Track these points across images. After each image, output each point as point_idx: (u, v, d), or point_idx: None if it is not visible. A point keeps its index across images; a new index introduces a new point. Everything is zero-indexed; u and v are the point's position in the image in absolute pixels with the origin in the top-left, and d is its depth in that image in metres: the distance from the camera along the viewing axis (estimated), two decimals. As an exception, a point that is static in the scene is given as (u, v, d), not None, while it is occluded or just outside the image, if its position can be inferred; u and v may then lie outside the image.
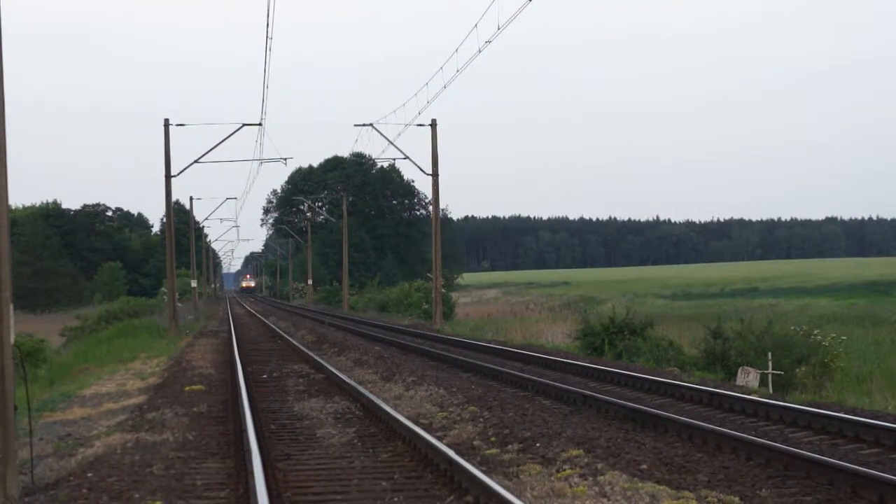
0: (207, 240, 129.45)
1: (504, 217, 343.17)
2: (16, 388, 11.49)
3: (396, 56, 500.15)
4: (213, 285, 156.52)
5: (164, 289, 69.47)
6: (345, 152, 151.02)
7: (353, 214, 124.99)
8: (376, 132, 53.56)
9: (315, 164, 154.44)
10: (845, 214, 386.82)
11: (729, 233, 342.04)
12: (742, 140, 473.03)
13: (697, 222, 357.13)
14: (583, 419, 16.24)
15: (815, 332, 29.16)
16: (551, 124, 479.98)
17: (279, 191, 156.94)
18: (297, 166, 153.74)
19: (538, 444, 13.28)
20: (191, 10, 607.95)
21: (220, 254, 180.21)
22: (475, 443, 13.99)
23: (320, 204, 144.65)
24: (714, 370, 27.34)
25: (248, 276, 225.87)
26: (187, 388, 22.02)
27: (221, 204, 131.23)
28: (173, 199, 52.16)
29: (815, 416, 15.22)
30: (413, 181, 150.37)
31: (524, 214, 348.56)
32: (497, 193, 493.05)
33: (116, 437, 15.54)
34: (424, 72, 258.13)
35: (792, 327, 30.17)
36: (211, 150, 50.60)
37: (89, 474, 12.65)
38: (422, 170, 53.77)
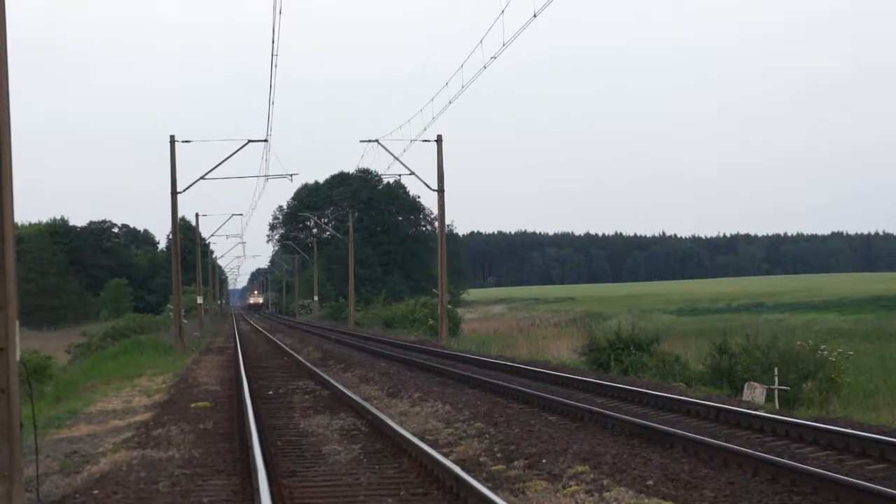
0: (213, 256, 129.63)
1: (510, 232, 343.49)
2: (22, 405, 11.49)
3: (402, 72, 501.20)
4: (219, 302, 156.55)
5: (170, 305, 69.50)
6: (351, 168, 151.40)
7: (358, 230, 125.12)
8: (382, 148, 53.79)
9: (321, 181, 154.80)
10: (851, 229, 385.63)
11: (735, 248, 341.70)
12: (747, 154, 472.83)
13: (703, 237, 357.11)
14: (589, 435, 16.23)
15: (822, 347, 29.10)
16: (556, 139, 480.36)
17: (285, 207, 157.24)
18: (303, 182, 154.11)
19: (544, 461, 13.27)
20: (195, 26, 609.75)
21: (226, 270, 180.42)
22: (481, 459, 13.98)
23: (326, 220, 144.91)
24: (720, 386, 27.28)
25: (255, 291, 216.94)
26: (193, 405, 22.03)
27: (227, 220, 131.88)
28: (179, 215, 52.31)
29: (821, 432, 15.18)
30: (419, 197, 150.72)
31: (530, 230, 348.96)
32: (502, 209, 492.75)
33: (122, 454, 15.54)
34: (430, 87, 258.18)
35: (799, 342, 30.10)
36: (217, 166, 50.86)
37: (95, 491, 12.66)
38: (427, 185, 53.93)
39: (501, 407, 20.23)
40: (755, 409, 18.59)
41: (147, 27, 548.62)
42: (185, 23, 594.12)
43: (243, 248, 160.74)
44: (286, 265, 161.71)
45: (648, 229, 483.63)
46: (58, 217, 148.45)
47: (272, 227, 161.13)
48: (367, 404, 19.59)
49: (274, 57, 31.55)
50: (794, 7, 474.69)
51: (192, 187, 52.06)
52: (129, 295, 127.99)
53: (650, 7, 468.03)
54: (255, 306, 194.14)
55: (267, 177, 60.03)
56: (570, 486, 11.63)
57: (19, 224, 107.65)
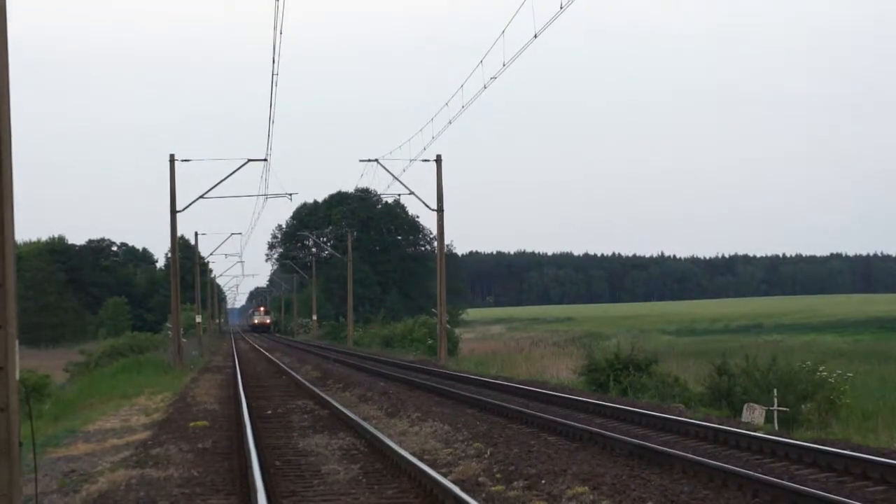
0: (212, 275, 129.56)
1: (508, 252, 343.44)
2: (21, 424, 11.47)
3: (403, 92, 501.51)
4: (217, 321, 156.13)
5: (168, 324, 69.42)
6: (350, 188, 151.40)
7: (357, 250, 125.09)
8: (382, 168, 53.90)
9: (320, 200, 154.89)
10: (850, 251, 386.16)
11: (734, 269, 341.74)
12: (746, 176, 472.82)
13: (702, 258, 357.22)
14: (588, 455, 16.21)
15: (821, 368, 29.10)
16: (555, 160, 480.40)
17: (284, 226, 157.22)
18: (303, 202, 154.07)
19: (544, 481, 13.26)
20: (196, 45, 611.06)
21: (224, 289, 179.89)
22: (480, 479, 13.96)
23: (325, 239, 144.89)
24: (719, 407, 27.27)
25: (261, 308, 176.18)
26: (192, 424, 22.00)
27: (226, 239, 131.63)
28: (178, 234, 52.29)
29: (821, 454, 15.17)
30: (418, 217, 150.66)
31: (528, 250, 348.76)
32: (501, 229, 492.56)
33: (121, 474, 15.51)
34: (430, 107, 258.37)
35: (799, 363, 30.09)
36: (216, 185, 50.85)
37: (94, 510, 12.63)
38: (427, 205, 53.95)
39: (500, 427, 20.22)
40: (754, 431, 18.57)
41: (148, 43, 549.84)
42: (187, 40, 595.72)
43: (242, 267, 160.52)
44: (285, 284, 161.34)
45: (647, 250, 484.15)
46: (57, 235, 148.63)
47: (271, 247, 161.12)
48: (366, 424, 19.57)
49: (274, 76, 31.69)
50: (796, 33, 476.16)
51: (191, 206, 52.04)
52: (127, 313, 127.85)
53: (650, 27, 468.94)
54: (262, 327, 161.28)
55: (266, 196, 59.80)
56: (570, 507, 11.61)
57: (19, 242, 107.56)
